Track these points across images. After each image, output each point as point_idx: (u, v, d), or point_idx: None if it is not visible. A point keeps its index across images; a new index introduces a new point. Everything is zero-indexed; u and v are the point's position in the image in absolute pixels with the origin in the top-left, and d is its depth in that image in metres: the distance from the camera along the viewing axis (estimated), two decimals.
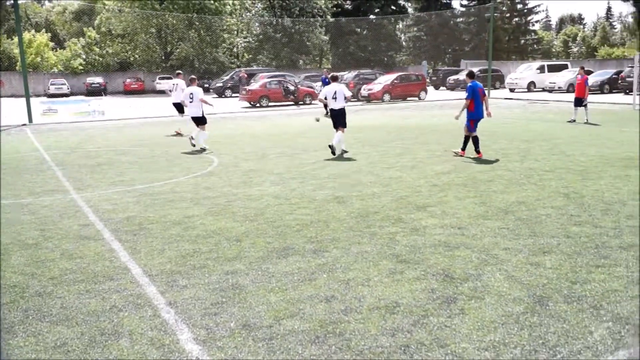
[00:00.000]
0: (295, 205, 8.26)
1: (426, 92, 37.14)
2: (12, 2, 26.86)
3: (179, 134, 18.35)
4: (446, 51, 74.91)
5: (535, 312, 4.43)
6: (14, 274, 5.66)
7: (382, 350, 3.93)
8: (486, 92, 12.40)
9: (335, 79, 13.78)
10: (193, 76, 16.68)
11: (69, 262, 6.00)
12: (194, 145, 14.99)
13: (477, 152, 12.18)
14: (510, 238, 6.36)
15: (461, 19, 75.37)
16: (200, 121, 15.33)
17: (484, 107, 12.28)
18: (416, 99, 36.03)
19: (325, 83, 27.85)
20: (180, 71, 21.74)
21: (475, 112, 12.11)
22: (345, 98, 13.16)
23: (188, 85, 16.21)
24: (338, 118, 13.18)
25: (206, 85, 53.60)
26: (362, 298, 4.81)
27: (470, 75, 12.45)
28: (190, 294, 5.01)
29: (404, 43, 77.87)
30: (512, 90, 42.32)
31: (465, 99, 12.21)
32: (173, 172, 11.60)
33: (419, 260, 5.70)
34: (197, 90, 15.54)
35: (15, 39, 62.19)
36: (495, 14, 56.70)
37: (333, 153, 12.91)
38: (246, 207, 8.29)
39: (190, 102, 15.44)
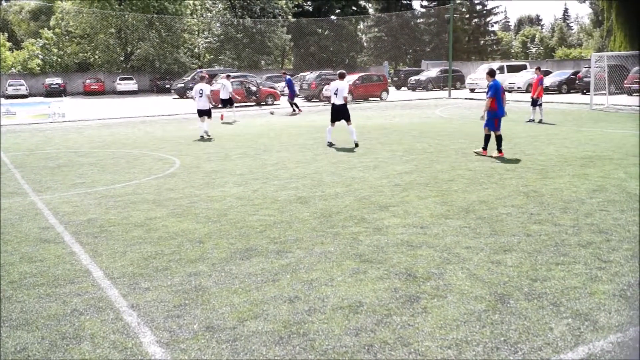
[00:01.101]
0: (258, 206, 8.26)
1: (388, 93, 37.44)
2: None
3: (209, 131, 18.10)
4: (407, 52, 75.70)
5: (497, 309, 4.54)
6: None
7: (346, 350, 3.97)
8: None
9: (342, 76, 14.91)
10: (204, 74, 19.10)
11: (28, 265, 5.88)
12: (209, 137, 17.26)
13: (499, 151, 12.27)
14: (471, 237, 6.49)
15: (421, 20, 76.25)
16: (206, 113, 17.69)
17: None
18: (378, 99, 36.30)
19: (289, 82, 28.12)
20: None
21: (498, 110, 12.26)
22: (342, 97, 14.23)
23: (197, 82, 18.77)
24: (339, 113, 14.42)
25: (167, 86, 53.04)
26: (325, 298, 4.85)
27: (491, 73, 12.59)
28: (152, 297, 4.98)
29: (365, 44, 78.41)
30: (472, 90, 42.97)
31: (487, 97, 12.31)
32: (134, 173, 11.46)
33: (382, 260, 5.77)
34: (205, 87, 17.96)
35: None
36: (455, 15, 57.61)
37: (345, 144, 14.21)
38: (209, 208, 8.25)
39: (200, 97, 17.74)
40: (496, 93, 12.17)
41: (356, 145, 14.25)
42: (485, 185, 9.32)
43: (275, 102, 34.17)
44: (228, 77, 25.45)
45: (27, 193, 9.74)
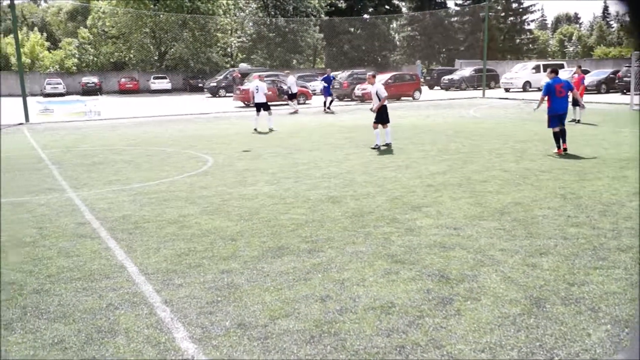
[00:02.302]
0: (290, 205, 8.27)
1: (420, 92, 37.16)
2: (8, 2, 26.67)
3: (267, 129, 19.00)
4: (440, 51, 75.00)
5: (532, 313, 4.45)
6: (12, 272, 5.68)
7: (377, 350, 3.95)
8: (571, 85, 12.88)
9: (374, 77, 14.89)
10: (260, 73, 20.83)
11: (66, 260, 6.01)
12: (270, 130, 18.73)
13: (558, 147, 12.36)
14: (506, 239, 6.39)
15: (456, 19, 75.46)
16: (264, 107, 19.26)
17: (571, 100, 12.66)
18: (410, 98, 36.07)
19: (327, 81, 28.16)
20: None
21: (552, 107, 12.31)
22: (379, 98, 13.88)
23: (252, 80, 21.46)
24: (378, 115, 14.01)
25: (200, 85, 53.61)
26: (357, 298, 4.83)
27: (553, 71, 12.64)
28: (185, 293, 5.03)
29: (397, 42, 77.91)
30: (507, 90, 42.38)
31: (542, 95, 12.56)
32: (168, 171, 11.60)
33: (414, 261, 5.72)
34: (261, 85, 19.74)
35: (9, 39, 62.06)
36: (490, 13, 56.78)
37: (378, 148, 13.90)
38: (241, 206, 8.30)
39: (256, 92, 19.37)
40: (548, 92, 12.26)
41: (387, 145, 14.11)
42: (520, 186, 9.18)
43: (307, 101, 34.22)
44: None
45: (64, 189, 9.95)
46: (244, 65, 45.58)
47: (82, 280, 5.39)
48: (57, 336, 4.26)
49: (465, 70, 49.37)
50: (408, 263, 5.66)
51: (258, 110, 19.34)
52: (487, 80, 42.01)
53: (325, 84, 28.19)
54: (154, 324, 4.42)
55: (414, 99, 36.10)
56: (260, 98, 19.33)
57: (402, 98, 36.01)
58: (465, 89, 45.35)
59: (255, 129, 18.90)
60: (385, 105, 13.98)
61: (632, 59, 26.44)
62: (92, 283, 5.32)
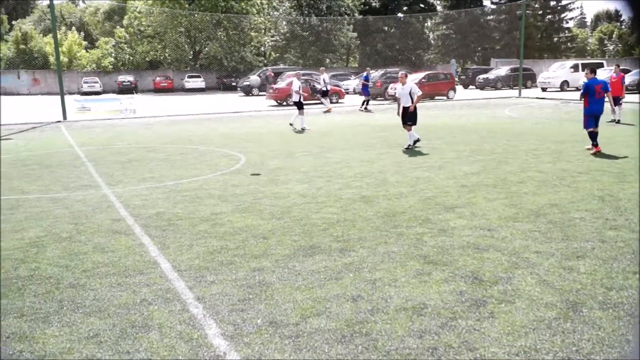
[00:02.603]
0: (322, 204, 8.26)
1: (455, 91, 36.80)
2: (48, 2, 27.31)
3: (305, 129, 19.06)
4: (476, 49, 74.06)
5: (569, 318, 4.35)
6: (49, 266, 5.79)
7: (409, 352, 3.91)
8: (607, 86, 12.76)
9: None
10: (299, 71, 20.82)
11: (101, 255, 6.11)
12: (302, 129, 18.58)
13: (595, 145, 12.35)
14: (542, 241, 6.26)
15: (492, 17, 74.37)
16: (299, 105, 19.30)
17: (606, 102, 12.58)
18: (444, 98, 35.75)
19: (367, 80, 28.16)
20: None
21: (589, 108, 12.25)
22: (412, 98, 13.67)
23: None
24: (409, 116, 13.76)
25: (233, 84, 54.06)
26: (389, 298, 4.79)
27: (592, 70, 12.52)
28: (217, 290, 5.06)
29: (432, 41, 77.21)
30: (544, 89, 41.62)
31: (580, 95, 12.49)
32: (201, 169, 11.71)
33: (447, 262, 5.66)
34: (297, 83, 20.00)
35: (48, 38, 63.57)
36: (528, 11, 55.88)
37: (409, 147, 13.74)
38: (273, 205, 8.32)
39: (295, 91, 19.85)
40: (587, 91, 12.18)
41: (408, 148, 13.78)
42: (557, 188, 8.99)
43: (340, 100, 34.19)
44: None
45: (100, 186, 10.13)
46: (254, 78, 45.58)
47: (116, 276, 5.48)
48: (92, 330, 4.33)
49: (500, 69, 48.68)
50: (441, 264, 5.60)
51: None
52: (523, 79, 41.39)
53: (365, 83, 28.03)
54: (186, 320, 4.46)
55: (448, 98, 35.76)
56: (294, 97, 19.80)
57: (436, 97, 35.73)
58: (500, 89, 44.74)
59: (291, 124, 19.22)
60: (415, 108, 13.73)
61: None
62: (126, 278, 5.40)
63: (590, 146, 12.53)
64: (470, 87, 50.15)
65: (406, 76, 14.28)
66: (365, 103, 27.79)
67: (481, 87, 46.82)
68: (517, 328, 4.20)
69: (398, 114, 14.22)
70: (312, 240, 6.51)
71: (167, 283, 5.26)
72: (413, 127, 13.89)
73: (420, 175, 10.39)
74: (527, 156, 12.22)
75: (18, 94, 55.98)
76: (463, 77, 53.30)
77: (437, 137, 16.05)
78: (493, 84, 45.86)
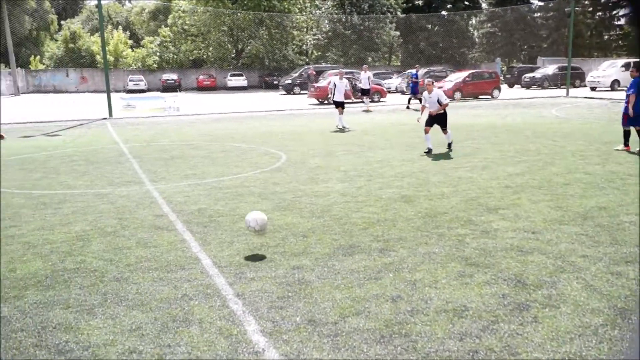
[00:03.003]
0: (362, 203, 8.22)
1: (500, 91, 36.15)
2: (96, 2, 27.99)
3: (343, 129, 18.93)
4: (522, 48, 72.53)
5: (616, 325, 4.21)
6: (94, 259, 5.93)
7: (449, 354, 3.85)
8: None
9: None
10: (342, 70, 21.20)
11: (144, 250, 6.22)
12: (342, 129, 18.53)
13: (626, 145, 12.47)
14: (589, 245, 6.08)
15: (539, 14, 72.68)
16: (341, 105, 19.18)
17: None
18: (489, 97, 35.18)
19: (416, 78, 27.71)
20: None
21: (635, 107, 12.10)
22: (440, 104, 12.97)
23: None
24: (435, 119, 13.14)
25: (275, 82, 54.40)
26: (429, 300, 4.73)
27: (638, 68, 12.25)
28: (257, 287, 5.08)
29: (476, 39, 75.99)
30: (593, 89, 40.48)
31: (629, 93, 12.24)
32: (242, 166, 11.81)
33: (490, 264, 5.55)
34: (337, 81, 19.88)
35: (95, 37, 65.22)
36: (577, 8, 54.43)
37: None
38: (313, 203, 8.32)
39: (336, 90, 19.69)
40: (638, 89, 11.98)
41: (428, 152, 13.02)
42: (605, 190, 8.73)
43: (381, 99, 34.02)
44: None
45: (143, 182, 10.31)
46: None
47: (158, 271, 5.56)
48: (134, 323, 4.41)
49: (548, 67, 47.57)
50: (483, 266, 5.50)
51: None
52: (571, 78, 40.34)
53: (415, 81, 27.68)
54: (226, 316, 4.49)
55: (492, 97, 35.18)
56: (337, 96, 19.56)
57: (481, 97, 35.20)
58: (547, 88, 43.77)
59: (343, 127, 18.88)
60: (445, 112, 13.10)
61: None
62: (168, 273, 5.48)
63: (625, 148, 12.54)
64: (516, 86, 49.20)
65: (432, 84, 13.42)
66: (409, 102, 27.60)
67: (527, 86, 45.88)
68: (562, 334, 4.08)
69: (418, 120, 13.77)
70: (351, 239, 6.49)
71: (208, 279, 5.32)
72: (449, 130, 13.47)
73: (462, 175, 10.24)
74: (574, 157, 11.91)
75: (66, 92, 57.60)
76: (508, 75, 52.34)
77: (481, 137, 15.80)
78: (540, 83, 44.88)
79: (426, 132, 13.14)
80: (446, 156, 12.52)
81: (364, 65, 28.73)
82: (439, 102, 12.94)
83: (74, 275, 5.49)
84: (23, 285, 5.24)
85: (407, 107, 27.28)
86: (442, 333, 4.14)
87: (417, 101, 27.37)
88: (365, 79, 26.95)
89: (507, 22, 69.40)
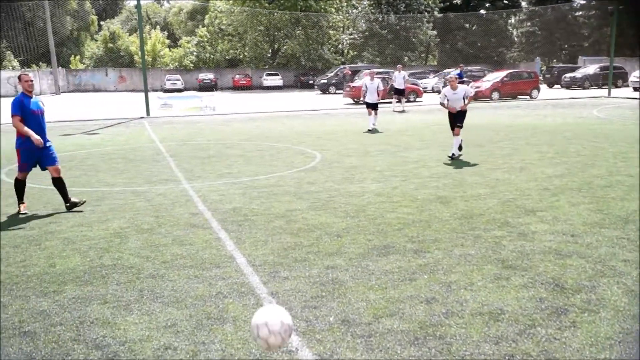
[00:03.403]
0: (397, 204, 8.17)
1: (539, 91, 35.53)
2: (135, 2, 28.46)
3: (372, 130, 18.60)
4: (562, 47, 71.09)
5: None
6: (131, 256, 6.02)
7: (484, 357, 3.79)
8: None
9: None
10: (373, 70, 20.50)
11: (179, 248, 6.29)
12: (370, 130, 18.25)
13: None
14: (630, 249, 5.92)
15: (580, 12, 71.10)
16: (372, 106, 18.66)
17: None
18: (527, 97, 34.60)
19: (460, 77, 27.05)
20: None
21: None
22: (464, 100, 12.18)
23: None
24: (457, 117, 12.34)
25: (311, 82, 54.51)
26: (464, 302, 4.67)
27: None
28: (291, 286, 5.09)
29: (515, 39, 74.76)
30: (636, 89, 39.40)
31: None
32: (277, 166, 11.86)
33: (527, 267, 5.45)
34: (369, 82, 19.30)
35: (133, 37, 66.39)
36: (620, 7, 53.01)
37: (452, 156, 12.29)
38: (347, 203, 8.31)
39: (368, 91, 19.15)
40: None
41: (452, 157, 12.23)
42: None
43: (417, 99, 33.77)
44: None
45: (180, 180, 10.44)
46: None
47: (194, 268, 5.62)
48: (170, 320, 4.46)
49: (589, 67, 46.52)
50: (520, 269, 5.40)
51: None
52: (614, 78, 39.41)
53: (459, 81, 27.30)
54: None
55: (531, 97, 34.60)
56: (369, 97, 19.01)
57: (519, 97, 34.65)
58: (588, 88, 42.82)
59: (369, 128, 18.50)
60: (465, 110, 12.27)
61: None
62: (203, 271, 5.53)
63: None
64: (556, 86, 48.30)
65: (456, 79, 12.53)
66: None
67: (567, 86, 44.97)
68: (602, 340, 3.98)
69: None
70: (386, 239, 6.45)
71: (242, 277, 5.35)
72: (461, 133, 12.42)
73: (499, 176, 10.09)
74: (615, 159, 11.61)
75: (105, 91, 58.82)
76: (548, 75, 51.42)
77: (519, 138, 15.54)
78: (580, 83, 43.93)
79: (456, 134, 12.25)
80: (483, 157, 12.33)
81: (399, 65, 28.31)
82: (464, 98, 12.11)
83: (112, 271, 5.59)
84: (62, 280, 5.36)
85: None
86: (477, 336, 4.08)
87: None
88: (400, 78, 26.60)
89: (548, 21, 68.08)
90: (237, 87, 57.64)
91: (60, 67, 59.21)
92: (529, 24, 71.47)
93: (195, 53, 62.98)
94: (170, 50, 66.71)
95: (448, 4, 65.43)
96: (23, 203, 8.24)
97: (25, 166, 8.14)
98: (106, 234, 6.93)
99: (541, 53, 68.85)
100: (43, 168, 8.27)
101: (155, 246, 6.38)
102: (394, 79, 26.78)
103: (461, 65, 30.70)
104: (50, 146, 8.26)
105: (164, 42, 67.94)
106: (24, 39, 65.44)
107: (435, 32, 62.87)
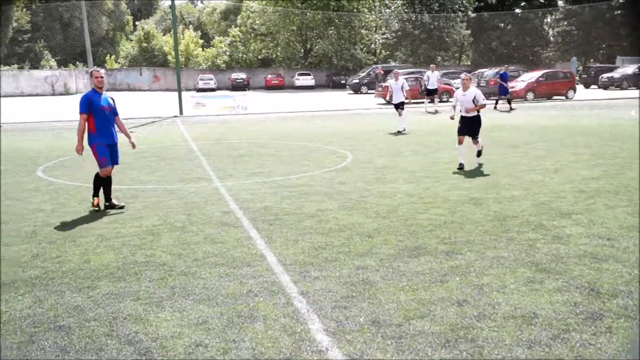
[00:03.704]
0: (429, 205, 8.10)
1: (575, 91, 34.84)
2: (170, 3, 28.83)
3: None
4: (599, 47, 69.56)
5: None
6: (163, 254, 6.10)
7: None
8: None
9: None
10: (397, 71, 19.83)
11: (211, 246, 6.35)
12: (399, 130, 17.88)
13: None
14: None
15: (619, 12, 69.45)
16: (399, 106, 18.15)
17: None
18: (563, 98, 33.97)
19: (503, 78, 26.16)
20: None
21: None
22: (475, 104, 10.87)
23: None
24: (468, 124, 11.10)
25: (342, 82, 54.46)
26: (496, 305, 4.60)
27: None
28: (321, 286, 5.09)
29: (551, 38, 73.42)
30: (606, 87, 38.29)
31: None
32: (308, 165, 11.88)
33: (561, 271, 5.35)
34: (401, 82, 18.80)
35: (167, 37, 67.27)
36: None
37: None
38: (379, 203, 8.27)
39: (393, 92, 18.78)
40: None
41: (461, 167, 10.94)
42: None
43: (450, 99, 33.44)
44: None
45: (212, 179, 10.54)
46: None
47: (225, 266, 5.66)
48: (201, 317, 4.50)
49: (627, 67, 45.40)
50: (554, 273, 5.30)
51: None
52: None
53: (502, 82, 26.30)
54: (290, 314, 4.52)
55: (567, 98, 33.96)
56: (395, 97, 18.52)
57: (554, 97, 34.05)
58: (626, 88, 41.80)
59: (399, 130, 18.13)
60: (480, 117, 11.13)
61: None
62: (234, 269, 5.57)
63: None
64: (592, 86, 47.30)
65: (470, 80, 11.19)
66: (506, 103, 26.58)
67: (605, 86, 43.99)
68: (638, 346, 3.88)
69: (453, 117, 11.60)
70: (417, 241, 6.40)
71: (273, 276, 5.37)
72: (480, 142, 11.37)
73: (534, 178, 9.93)
74: None
75: (140, 90, 59.67)
76: (584, 75, 50.35)
77: (554, 139, 15.28)
78: (618, 84, 42.92)
79: (460, 142, 11.05)
80: (517, 158, 12.16)
81: (432, 65, 27.90)
82: (474, 101, 10.84)
83: (144, 268, 5.67)
84: (96, 277, 5.46)
85: (495, 108, 26.38)
86: (509, 340, 4.02)
87: (506, 102, 26.59)
88: (433, 78, 26.18)
89: (585, 20, 66.69)
90: (269, 87, 57.91)
91: (96, 67, 60.22)
92: (565, 23, 70.10)
93: (227, 53, 63.48)
94: (203, 50, 67.38)
95: (482, 3, 64.63)
96: (96, 198, 8.27)
97: (104, 161, 8.17)
98: (139, 231, 7.03)
99: (578, 53, 67.43)
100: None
101: (187, 244, 6.45)
102: (426, 79, 26.43)
103: (506, 65, 29.82)
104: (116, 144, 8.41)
105: (197, 42, 68.66)
106: (62, 39, 66.96)
107: (468, 32, 62.20)
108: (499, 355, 3.82)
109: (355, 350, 3.93)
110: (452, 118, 11.64)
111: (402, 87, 18.58)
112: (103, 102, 8.14)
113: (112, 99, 8.48)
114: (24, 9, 66.01)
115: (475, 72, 45.07)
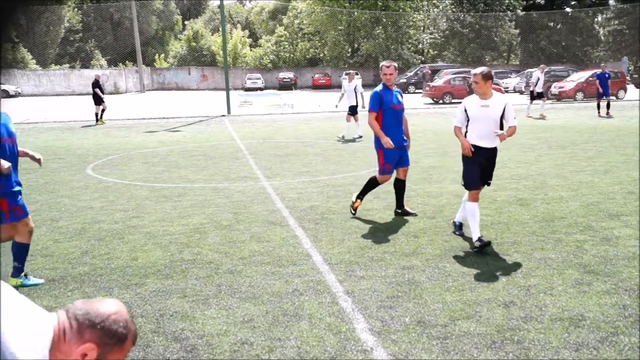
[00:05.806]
0: None
1: (625, 91, 33.82)
2: (218, 2, 29.29)
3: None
4: None
5: None
6: (210, 252, 6.23)
7: None
8: None
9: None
10: (351, 72, 18.89)
11: (257, 244, 6.46)
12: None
13: None
14: None
15: None
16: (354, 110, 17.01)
17: None
18: (614, 98, 32.96)
19: (602, 78, 22.80)
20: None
21: None
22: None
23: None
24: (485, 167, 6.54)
25: None
26: (543, 307, 4.56)
27: None
28: (367, 285, 5.13)
29: (602, 37, 71.34)
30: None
31: None
32: (355, 165, 11.91)
33: (610, 273, 5.25)
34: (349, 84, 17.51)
35: (214, 37, 68.22)
36: None
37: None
38: (425, 203, 8.25)
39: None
40: None
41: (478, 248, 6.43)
42: None
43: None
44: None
45: (258, 178, 10.69)
46: None
47: (271, 265, 5.75)
48: (247, 315, 4.59)
49: None
50: (602, 275, 5.21)
51: None
52: None
53: (600, 83, 23.06)
54: (335, 313, 4.57)
55: (617, 98, 32.96)
56: None
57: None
58: None
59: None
60: (496, 152, 6.59)
61: None
62: (279, 268, 5.66)
63: None
64: None
65: (490, 79, 6.29)
66: (598, 106, 23.67)
67: None
68: None
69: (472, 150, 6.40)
70: (463, 241, 6.37)
71: (318, 275, 5.44)
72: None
73: (583, 179, 9.72)
74: None
75: (188, 89, 60.77)
76: (636, 76, 48.76)
77: (604, 140, 14.89)
78: None
79: (475, 198, 6.29)
80: (566, 159, 11.90)
81: (542, 65, 25.25)
82: (502, 119, 6.24)
83: (191, 266, 5.80)
84: (144, 274, 5.60)
85: (599, 114, 23.21)
86: (556, 342, 3.98)
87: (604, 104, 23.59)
88: (542, 80, 23.96)
89: (637, 19, 64.43)
90: (316, 86, 58.09)
91: (145, 66, 61.67)
92: (616, 22, 67.97)
93: (275, 52, 63.97)
94: (251, 50, 68.10)
95: (532, 2, 63.32)
96: (359, 201, 7.67)
97: (388, 167, 7.48)
98: (186, 229, 7.19)
99: (629, 52, 65.27)
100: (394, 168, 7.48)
101: (233, 242, 6.57)
102: (536, 80, 24.33)
103: (603, 65, 24.99)
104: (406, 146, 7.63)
105: (245, 42, 69.43)
106: (112, 39, 68.79)
107: (517, 31, 61.03)
108: (545, 357, 3.79)
109: (400, 350, 3.96)
110: (472, 152, 6.33)
111: (355, 89, 17.11)
112: (394, 100, 7.73)
113: (402, 95, 7.94)
114: (76, 9, 68.00)
115: (524, 71, 44.19)
